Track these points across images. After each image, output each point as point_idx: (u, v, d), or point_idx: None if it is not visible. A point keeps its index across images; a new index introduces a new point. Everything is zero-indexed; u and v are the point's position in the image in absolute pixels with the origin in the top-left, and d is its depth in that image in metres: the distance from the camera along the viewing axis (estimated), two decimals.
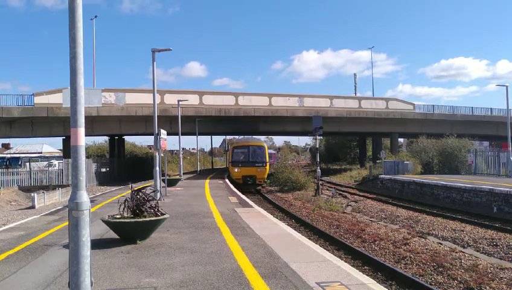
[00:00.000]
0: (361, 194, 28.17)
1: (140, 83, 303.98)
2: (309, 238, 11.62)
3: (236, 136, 49.50)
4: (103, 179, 39.90)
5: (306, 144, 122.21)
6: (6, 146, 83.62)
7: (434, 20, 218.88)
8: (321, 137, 45.98)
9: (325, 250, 7.73)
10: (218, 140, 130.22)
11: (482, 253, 11.66)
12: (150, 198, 9.28)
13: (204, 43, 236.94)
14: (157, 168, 16.83)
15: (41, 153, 67.97)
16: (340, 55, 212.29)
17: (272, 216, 12.20)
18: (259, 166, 30.88)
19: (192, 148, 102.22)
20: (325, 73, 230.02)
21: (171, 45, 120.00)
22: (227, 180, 31.41)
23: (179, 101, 32.83)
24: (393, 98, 48.53)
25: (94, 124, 36.96)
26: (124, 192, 21.82)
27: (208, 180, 31.71)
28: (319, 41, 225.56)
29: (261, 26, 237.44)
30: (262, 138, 70.26)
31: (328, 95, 45.21)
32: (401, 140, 68.29)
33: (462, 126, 47.50)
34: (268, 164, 31.99)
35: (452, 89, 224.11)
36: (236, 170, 31.15)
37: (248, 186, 30.29)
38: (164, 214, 9.13)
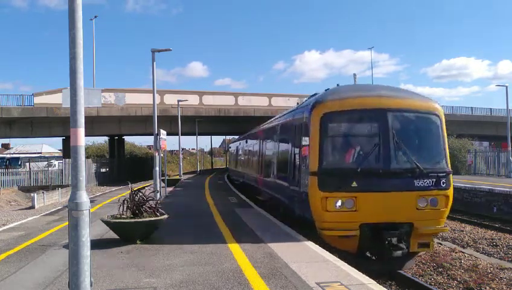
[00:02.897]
0: None
1: (142, 83, 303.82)
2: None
3: (236, 136, 37.83)
4: (103, 179, 39.89)
5: None
6: (6, 146, 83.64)
7: (436, 20, 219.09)
8: None
9: (324, 250, 7.72)
10: (218, 140, 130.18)
11: (481, 253, 11.67)
12: (149, 198, 9.30)
13: (207, 43, 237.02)
14: (157, 169, 16.83)
15: (41, 153, 68.03)
16: (342, 55, 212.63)
17: (271, 216, 12.18)
18: (428, 187, 8.76)
19: (192, 149, 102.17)
20: (326, 73, 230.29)
21: (173, 45, 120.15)
22: (226, 180, 31.29)
23: (178, 101, 32.85)
24: None
25: (94, 124, 36.95)
26: (123, 192, 21.81)
27: (207, 181, 31.69)
28: (321, 41, 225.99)
29: (263, 27, 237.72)
30: None
31: None
32: None
33: (462, 126, 47.44)
34: (451, 175, 9.18)
35: (453, 89, 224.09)
36: (338, 204, 8.55)
37: (390, 260, 8.67)
38: (164, 214, 9.13)
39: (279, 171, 12.38)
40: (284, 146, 12.18)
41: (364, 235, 8.52)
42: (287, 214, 11.11)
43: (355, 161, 8.79)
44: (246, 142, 23.20)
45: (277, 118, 14.67)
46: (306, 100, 10.98)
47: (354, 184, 8.44)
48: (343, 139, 9.33)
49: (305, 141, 9.35)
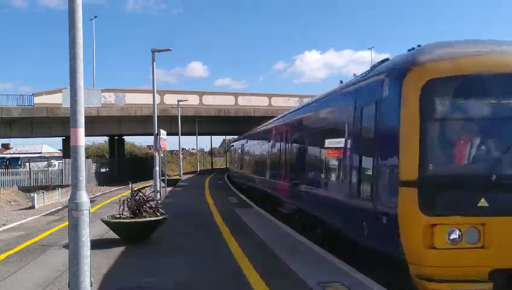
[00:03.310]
0: None
1: (142, 83, 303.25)
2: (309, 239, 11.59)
3: (236, 136, 36.88)
4: (103, 179, 39.85)
5: None
6: (6, 146, 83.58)
7: (436, 20, 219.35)
8: None
9: (325, 250, 7.71)
10: (217, 140, 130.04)
11: None
12: (149, 198, 9.30)
13: (207, 43, 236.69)
14: (157, 169, 16.84)
15: (41, 153, 67.98)
16: (342, 55, 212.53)
17: (271, 216, 12.18)
18: None
19: (192, 149, 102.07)
20: (326, 73, 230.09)
21: (173, 45, 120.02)
22: (226, 180, 31.28)
23: (178, 101, 32.87)
24: None
25: (94, 124, 36.93)
26: (123, 192, 21.80)
27: (207, 181, 31.70)
28: (322, 41, 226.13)
29: (263, 27, 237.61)
30: None
31: None
32: None
33: None
34: None
35: None
36: (452, 237, 5.02)
37: None
38: (164, 214, 9.14)
39: (326, 176, 8.45)
40: (335, 138, 7.78)
41: (498, 289, 5.00)
42: (340, 242, 7.55)
43: (484, 164, 5.32)
44: (258, 139, 18.50)
45: (317, 100, 10.23)
46: (374, 66, 7.12)
47: (483, 202, 5.02)
48: (462, 126, 5.50)
49: (388, 128, 5.71)
